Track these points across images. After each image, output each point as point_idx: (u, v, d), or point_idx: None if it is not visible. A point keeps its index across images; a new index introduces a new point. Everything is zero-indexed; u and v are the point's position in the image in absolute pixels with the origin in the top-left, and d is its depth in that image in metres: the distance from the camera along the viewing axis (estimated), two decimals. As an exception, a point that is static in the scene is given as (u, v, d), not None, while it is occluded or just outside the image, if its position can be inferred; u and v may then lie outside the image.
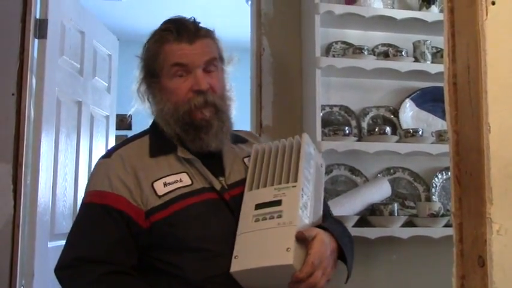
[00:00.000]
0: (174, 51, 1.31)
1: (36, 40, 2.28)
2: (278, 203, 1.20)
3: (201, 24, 1.37)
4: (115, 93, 3.21)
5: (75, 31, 2.64)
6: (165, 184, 1.26)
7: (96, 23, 2.91)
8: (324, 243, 1.17)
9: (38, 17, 2.29)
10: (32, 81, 2.25)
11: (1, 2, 2.21)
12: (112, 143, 3.16)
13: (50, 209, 2.33)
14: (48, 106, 2.31)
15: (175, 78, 1.31)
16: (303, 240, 1.14)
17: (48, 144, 2.32)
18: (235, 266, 1.17)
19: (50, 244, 2.32)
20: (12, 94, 2.17)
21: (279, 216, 1.18)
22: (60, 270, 1.26)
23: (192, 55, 1.30)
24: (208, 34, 1.36)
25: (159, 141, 1.34)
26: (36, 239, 2.19)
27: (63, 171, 2.48)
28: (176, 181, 1.27)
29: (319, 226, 1.23)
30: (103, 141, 3.02)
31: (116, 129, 3.28)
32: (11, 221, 2.11)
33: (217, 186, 1.29)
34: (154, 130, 1.37)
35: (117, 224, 1.23)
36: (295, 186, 1.21)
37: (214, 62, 1.35)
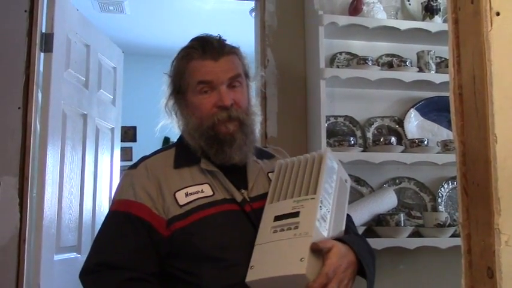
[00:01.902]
0: (199, 68, 1.34)
1: (42, 54, 2.30)
2: (296, 214, 1.21)
3: (226, 42, 1.40)
4: (120, 106, 3.22)
5: (81, 44, 2.66)
6: (186, 194, 1.29)
7: (101, 36, 2.93)
8: (341, 255, 1.17)
9: (44, 31, 2.31)
10: (38, 94, 2.26)
11: (7, 17, 2.23)
12: (117, 155, 3.17)
13: (55, 222, 2.33)
14: (54, 119, 2.32)
15: (200, 94, 1.34)
16: (318, 251, 1.15)
17: (54, 157, 2.33)
18: (251, 276, 1.18)
19: (56, 257, 2.32)
20: (19, 108, 2.19)
21: (296, 228, 1.18)
22: (85, 275, 1.28)
23: (217, 72, 1.33)
24: (233, 51, 1.39)
25: (184, 153, 1.38)
26: (42, 252, 2.19)
27: (69, 184, 2.48)
28: (198, 192, 1.30)
29: (338, 239, 1.23)
30: (108, 154, 3.03)
31: (121, 140, 3.30)
32: (17, 234, 2.12)
33: (239, 198, 1.31)
34: (180, 143, 1.41)
35: (138, 231, 1.26)
36: (313, 198, 1.22)
37: (239, 78, 1.37)
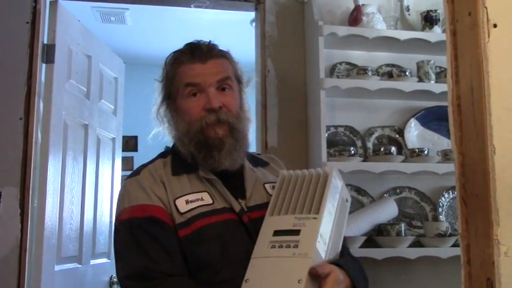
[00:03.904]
0: (187, 71, 1.33)
1: (43, 65, 2.32)
2: (297, 232, 1.18)
3: (216, 46, 1.39)
4: (121, 116, 3.23)
5: (82, 55, 2.67)
6: (187, 202, 1.28)
7: (102, 47, 2.95)
8: (337, 281, 1.15)
9: (45, 42, 2.33)
10: (39, 105, 2.27)
11: (9, 27, 2.25)
12: (118, 165, 3.17)
13: (56, 232, 2.33)
14: (55, 130, 2.33)
15: (188, 98, 1.33)
16: (316, 276, 1.13)
17: (55, 167, 2.34)
18: None
19: (57, 267, 2.32)
20: (20, 118, 2.19)
21: (295, 246, 1.16)
22: (137, 281, 1.22)
23: (204, 74, 1.32)
24: (221, 54, 1.38)
25: (180, 160, 1.36)
26: (43, 262, 2.19)
27: (70, 195, 2.49)
28: (198, 199, 1.28)
29: (335, 262, 1.21)
30: (109, 164, 3.03)
31: (122, 150, 3.30)
32: (18, 244, 2.12)
33: (237, 208, 1.30)
34: (175, 151, 1.39)
35: (169, 234, 1.24)
36: (316, 218, 1.20)
37: (228, 81, 1.35)
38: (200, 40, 1.40)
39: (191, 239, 1.24)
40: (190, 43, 1.39)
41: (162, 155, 1.42)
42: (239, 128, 1.34)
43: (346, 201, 1.36)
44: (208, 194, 1.30)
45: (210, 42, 1.39)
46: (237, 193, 1.33)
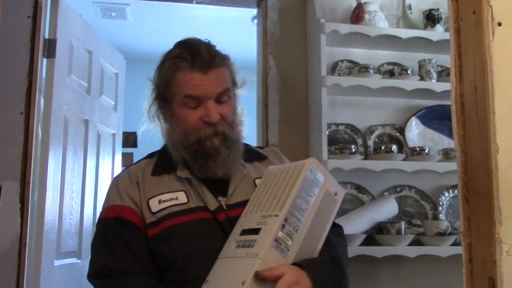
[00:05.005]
0: (187, 80, 1.29)
1: (44, 60, 2.32)
2: (257, 231, 1.14)
3: (216, 48, 1.34)
4: (121, 112, 3.23)
5: (83, 50, 2.67)
6: (160, 201, 1.28)
7: (103, 43, 2.94)
8: (290, 285, 1.08)
9: (46, 37, 2.33)
10: (40, 100, 2.27)
11: (10, 22, 2.24)
12: (118, 160, 3.17)
13: (56, 227, 2.33)
14: (55, 125, 2.33)
15: (186, 107, 1.30)
16: (264, 279, 1.07)
17: (56, 162, 2.34)
18: None
19: (56, 262, 2.32)
20: (21, 113, 2.19)
21: (251, 246, 1.12)
22: (97, 279, 1.27)
23: (205, 86, 1.28)
24: (222, 62, 1.33)
25: (164, 161, 1.36)
26: (42, 257, 2.19)
27: (70, 190, 2.49)
28: (171, 199, 1.28)
29: (298, 263, 1.14)
30: (109, 159, 3.03)
31: (122, 146, 3.30)
32: (17, 239, 2.11)
33: (212, 206, 1.28)
34: (164, 151, 1.39)
35: (134, 234, 1.26)
36: (277, 216, 1.14)
37: (228, 93, 1.33)
38: (198, 40, 1.35)
39: (159, 238, 1.24)
40: (189, 45, 1.33)
41: (149, 155, 1.42)
42: (233, 138, 1.33)
43: (335, 194, 1.25)
44: (185, 193, 1.29)
45: (209, 43, 1.34)
46: (220, 191, 1.31)
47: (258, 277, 1.07)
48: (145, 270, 1.24)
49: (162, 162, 1.36)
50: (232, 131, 1.33)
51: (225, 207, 1.28)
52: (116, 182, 1.36)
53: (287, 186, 1.19)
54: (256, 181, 1.35)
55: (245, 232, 1.17)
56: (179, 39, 1.40)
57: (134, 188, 1.31)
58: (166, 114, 1.36)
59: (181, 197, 1.28)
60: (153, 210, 1.26)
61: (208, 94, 1.29)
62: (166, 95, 1.34)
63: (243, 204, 1.27)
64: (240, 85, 1.41)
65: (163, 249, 1.24)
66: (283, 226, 1.12)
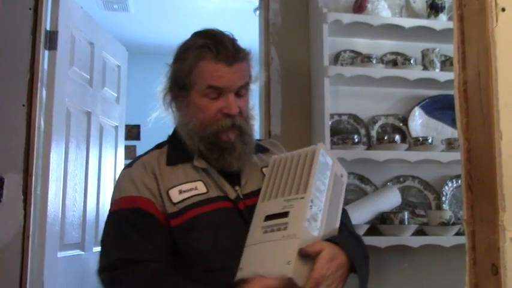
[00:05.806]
0: (211, 71, 1.29)
1: (46, 52, 2.31)
2: (286, 214, 1.18)
3: (238, 41, 1.35)
4: (124, 104, 3.23)
5: (85, 42, 2.66)
6: (180, 191, 1.28)
7: (105, 34, 2.93)
8: (330, 258, 1.15)
9: (48, 28, 2.32)
10: (42, 92, 2.27)
11: (12, 14, 2.23)
12: (121, 153, 3.17)
13: (59, 219, 2.34)
14: (58, 117, 2.33)
15: (207, 98, 1.31)
16: (307, 255, 1.13)
17: (58, 154, 2.34)
18: (239, 277, 1.16)
19: (60, 254, 2.33)
20: (23, 105, 2.19)
21: (285, 228, 1.16)
22: (107, 271, 1.24)
23: (228, 78, 1.29)
24: (245, 57, 1.35)
25: (177, 150, 1.36)
26: (45, 249, 2.20)
27: (73, 182, 2.49)
28: (191, 189, 1.28)
29: (330, 239, 1.20)
30: (112, 152, 3.03)
31: (125, 139, 3.30)
32: (21, 231, 2.12)
33: (232, 196, 1.30)
34: (174, 140, 1.39)
35: (152, 225, 1.25)
36: (303, 198, 1.19)
37: (246, 87, 1.35)
38: (222, 32, 1.35)
39: (183, 228, 1.24)
40: (214, 36, 1.33)
41: (158, 146, 1.42)
42: (248, 132, 1.35)
43: (341, 176, 1.34)
44: (203, 183, 1.30)
45: (232, 36, 1.35)
46: (233, 181, 1.33)
47: (301, 254, 1.11)
48: (162, 259, 1.23)
49: (175, 152, 1.36)
50: (247, 125, 1.35)
51: (241, 197, 1.31)
52: (129, 172, 1.33)
53: (304, 170, 1.24)
54: (264, 170, 1.38)
55: (271, 217, 1.21)
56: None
57: (151, 178, 1.29)
58: (183, 102, 1.35)
59: (201, 187, 1.29)
60: (174, 201, 1.26)
61: (230, 86, 1.30)
62: (185, 83, 1.33)
63: (256, 193, 1.30)
64: (254, 80, 1.42)
65: (188, 240, 1.24)
66: (310, 207, 1.18)
